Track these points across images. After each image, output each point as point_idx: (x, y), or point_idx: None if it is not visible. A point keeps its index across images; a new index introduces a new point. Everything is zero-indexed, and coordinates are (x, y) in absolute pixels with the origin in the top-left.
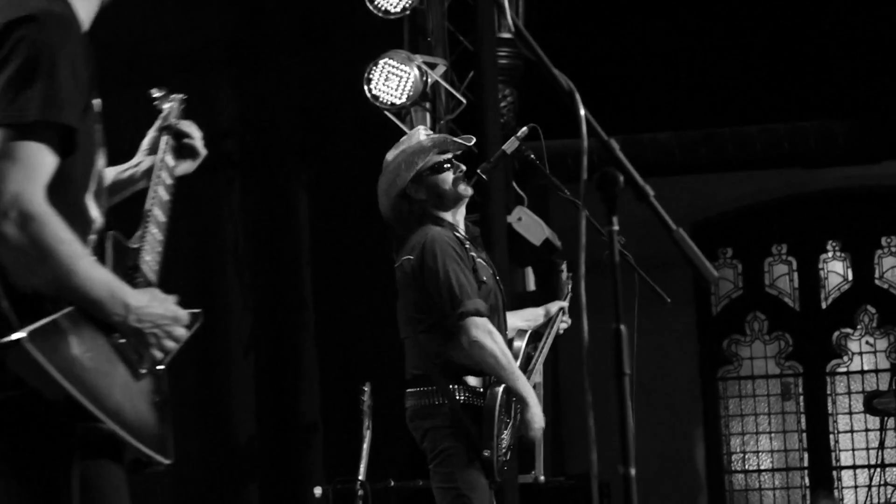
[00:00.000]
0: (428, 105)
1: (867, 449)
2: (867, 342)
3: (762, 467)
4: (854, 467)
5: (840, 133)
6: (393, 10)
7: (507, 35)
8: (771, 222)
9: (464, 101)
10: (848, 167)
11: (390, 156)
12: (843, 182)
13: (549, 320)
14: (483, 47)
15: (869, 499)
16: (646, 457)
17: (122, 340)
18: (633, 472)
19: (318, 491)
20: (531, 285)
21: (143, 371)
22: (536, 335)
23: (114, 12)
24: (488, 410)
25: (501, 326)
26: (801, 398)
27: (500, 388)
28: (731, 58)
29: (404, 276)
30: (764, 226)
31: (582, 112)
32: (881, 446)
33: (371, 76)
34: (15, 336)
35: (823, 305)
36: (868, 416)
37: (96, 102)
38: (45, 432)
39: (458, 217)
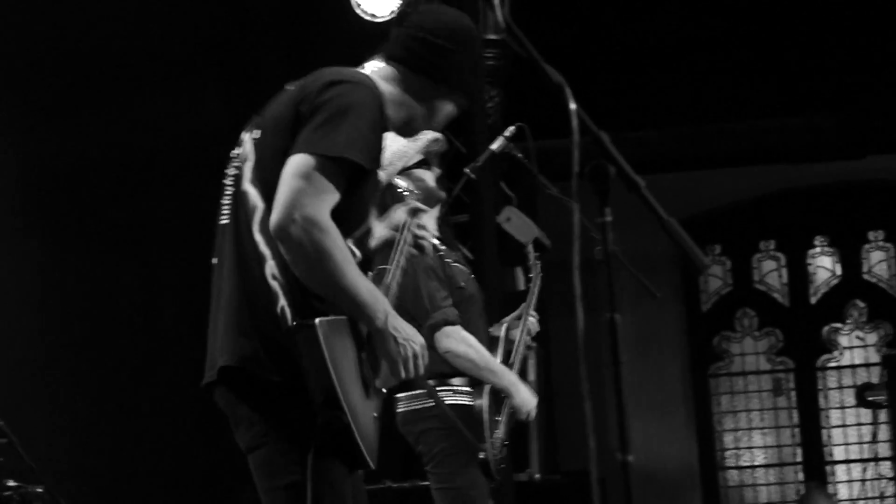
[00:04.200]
0: None
1: (860, 443)
2: (857, 336)
3: (756, 463)
4: (847, 462)
5: (826, 128)
6: (380, 14)
7: (492, 36)
8: (759, 218)
9: None
10: (834, 162)
11: None
12: (829, 177)
13: (519, 317)
14: None
15: (863, 492)
16: (638, 455)
17: (364, 358)
18: (630, 458)
19: None
20: (521, 285)
21: (374, 387)
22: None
23: (102, 17)
24: (478, 413)
25: (481, 327)
26: (793, 393)
27: (486, 389)
28: (716, 54)
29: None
30: (752, 222)
31: (573, 106)
32: (874, 439)
33: None
34: (316, 321)
35: (813, 301)
36: (860, 410)
37: (380, 173)
38: (301, 421)
39: (431, 220)
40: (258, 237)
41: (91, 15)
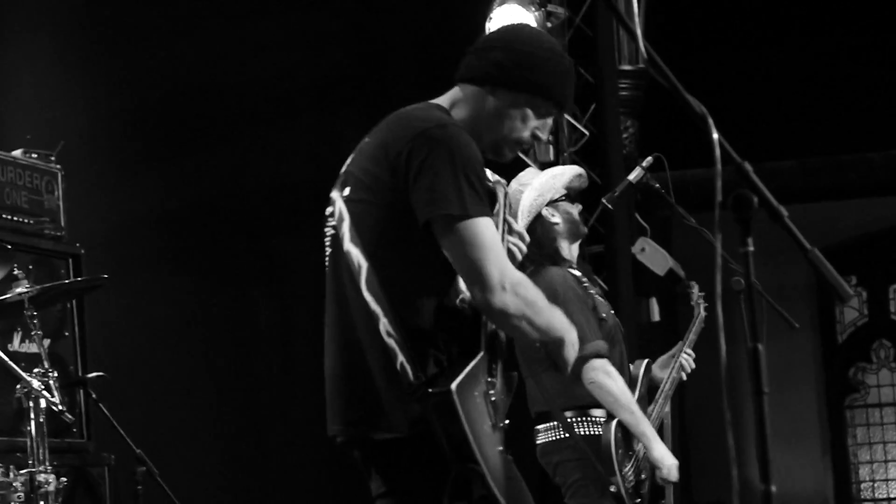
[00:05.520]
0: (551, 138)
1: None
2: None
3: (892, 496)
4: None
5: None
6: None
7: (627, 67)
8: (895, 249)
9: (586, 133)
10: None
11: (523, 185)
12: None
13: (672, 356)
14: (604, 79)
15: None
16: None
17: (493, 393)
18: (773, 488)
19: None
20: (656, 316)
21: (499, 424)
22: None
23: (241, 51)
24: (605, 446)
25: (623, 359)
26: None
27: (614, 423)
28: (852, 84)
29: None
30: (888, 252)
31: (715, 136)
32: None
33: None
34: (452, 387)
35: None
36: None
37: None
38: (426, 472)
39: (574, 252)
40: (367, 296)
41: (234, 48)
